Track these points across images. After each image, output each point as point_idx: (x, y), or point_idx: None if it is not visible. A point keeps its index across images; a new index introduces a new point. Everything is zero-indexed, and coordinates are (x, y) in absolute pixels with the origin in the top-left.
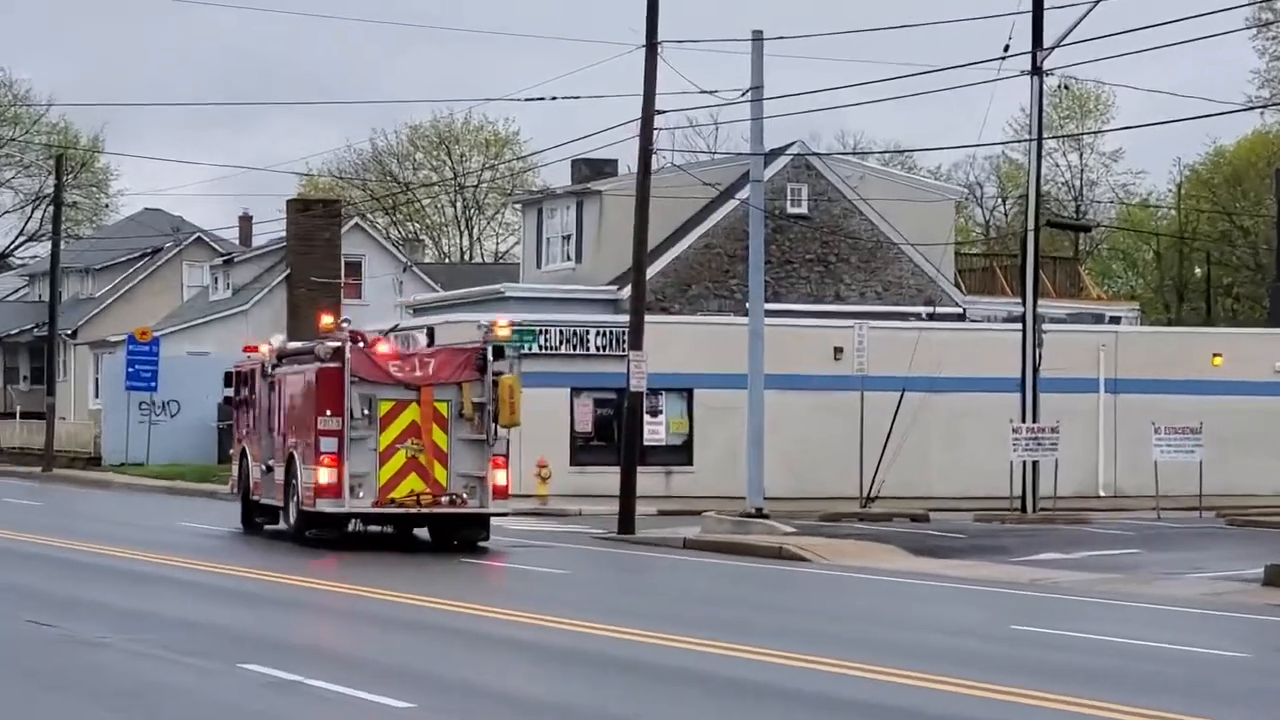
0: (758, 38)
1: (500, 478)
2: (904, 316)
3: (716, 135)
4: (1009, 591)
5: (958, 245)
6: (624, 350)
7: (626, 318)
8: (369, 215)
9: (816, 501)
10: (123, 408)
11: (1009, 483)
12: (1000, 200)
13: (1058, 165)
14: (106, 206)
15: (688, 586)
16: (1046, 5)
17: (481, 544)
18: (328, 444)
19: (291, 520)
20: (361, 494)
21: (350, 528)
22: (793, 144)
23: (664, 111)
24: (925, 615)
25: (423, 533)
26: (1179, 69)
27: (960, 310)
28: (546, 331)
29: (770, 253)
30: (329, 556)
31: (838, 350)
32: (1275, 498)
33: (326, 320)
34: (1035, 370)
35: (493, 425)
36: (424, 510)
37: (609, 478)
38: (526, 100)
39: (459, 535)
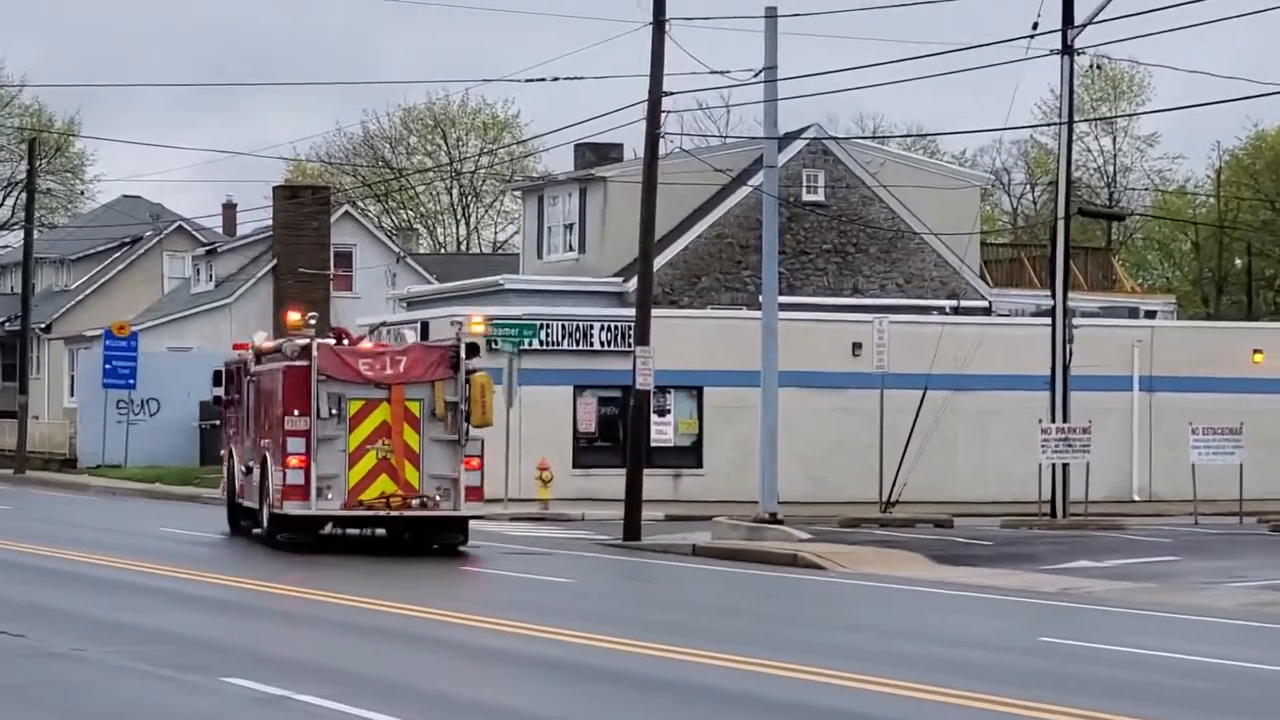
0: (771, 15)
1: (474, 479)
2: (926, 310)
3: (728, 118)
4: (1038, 602)
5: (983, 235)
6: (630, 346)
7: (632, 311)
8: (360, 203)
9: (834, 506)
10: (99, 406)
11: (1038, 486)
12: (1028, 187)
13: (1089, 150)
14: (82, 194)
15: (697, 596)
16: None
17: (462, 548)
18: (294, 444)
19: (264, 523)
20: (330, 496)
21: (327, 530)
22: (809, 128)
23: (672, 93)
24: (950, 627)
25: (387, 534)
26: (1218, 47)
27: (986, 303)
28: (548, 326)
29: (785, 243)
30: (306, 562)
31: (856, 346)
32: None
33: (294, 317)
34: (1065, 367)
35: (465, 425)
36: (394, 513)
37: (614, 481)
38: (527, 81)
39: (437, 539)
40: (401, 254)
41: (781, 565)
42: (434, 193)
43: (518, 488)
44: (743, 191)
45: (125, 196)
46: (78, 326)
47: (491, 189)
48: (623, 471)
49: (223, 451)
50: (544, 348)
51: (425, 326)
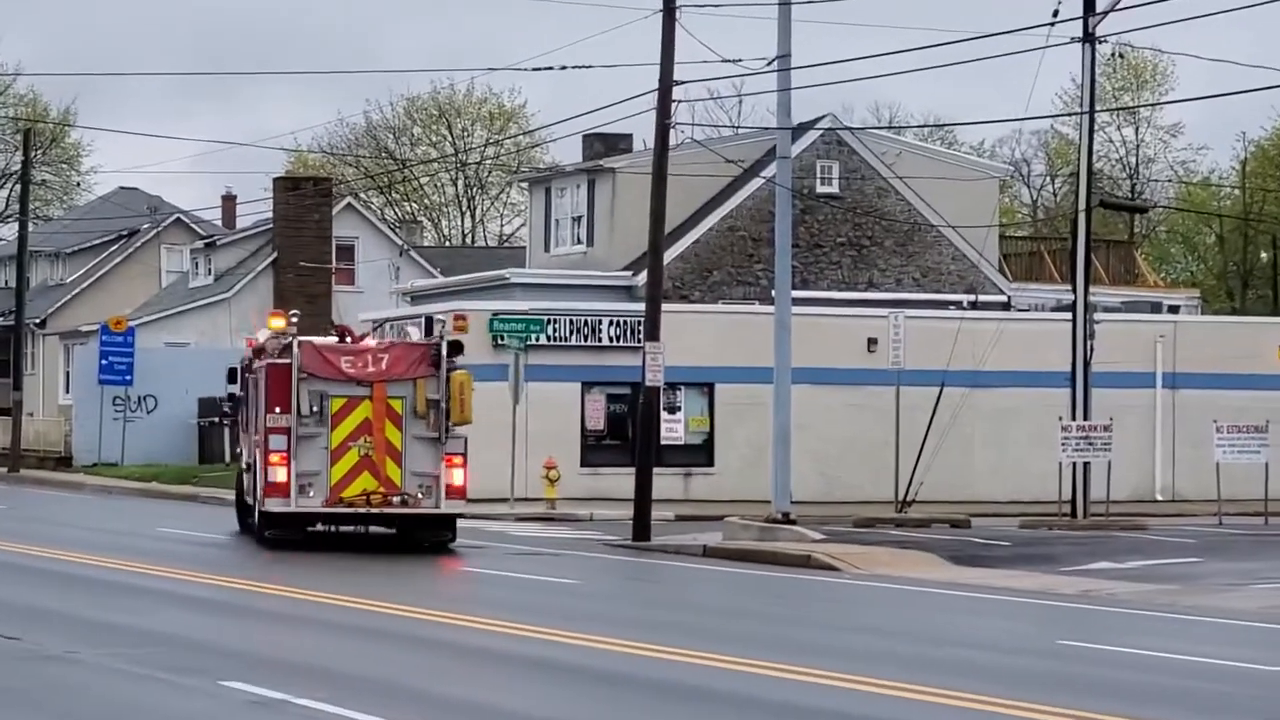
0: (785, 1)
1: (456, 477)
2: (943, 305)
3: (740, 108)
4: (1057, 604)
5: (1002, 227)
6: (639, 341)
7: (642, 306)
8: (363, 195)
9: (848, 506)
10: (95, 403)
11: (1058, 486)
12: (1049, 179)
13: (1111, 140)
14: (78, 185)
15: (705, 598)
16: None
17: (461, 549)
18: (276, 442)
19: (255, 521)
20: (312, 493)
21: (318, 528)
22: (823, 117)
23: (683, 82)
24: (966, 629)
25: (380, 532)
26: (1244, 36)
27: (1005, 298)
28: (555, 321)
29: (798, 235)
30: (306, 562)
31: (872, 342)
32: None
33: (276, 323)
34: (1086, 363)
35: (446, 423)
36: (375, 510)
37: (623, 480)
38: (534, 70)
39: (424, 536)
40: (405, 247)
41: (794, 566)
42: (438, 184)
43: (524, 487)
44: (755, 183)
45: (122, 188)
46: (73, 321)
47: (497, 180)
48: (632, 470)
49: (237, 449)
50: (551, 343)
51: (429, 321)
